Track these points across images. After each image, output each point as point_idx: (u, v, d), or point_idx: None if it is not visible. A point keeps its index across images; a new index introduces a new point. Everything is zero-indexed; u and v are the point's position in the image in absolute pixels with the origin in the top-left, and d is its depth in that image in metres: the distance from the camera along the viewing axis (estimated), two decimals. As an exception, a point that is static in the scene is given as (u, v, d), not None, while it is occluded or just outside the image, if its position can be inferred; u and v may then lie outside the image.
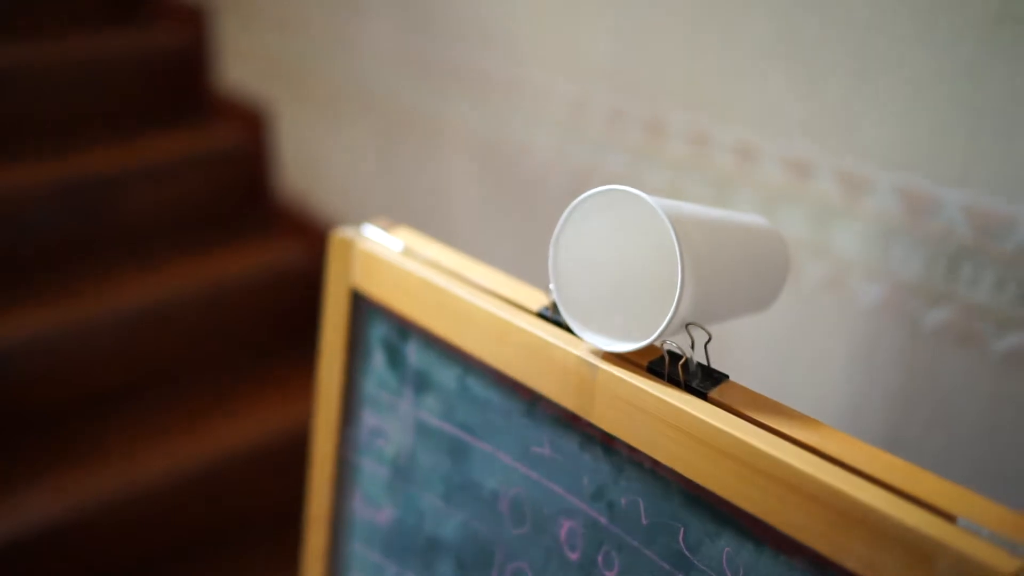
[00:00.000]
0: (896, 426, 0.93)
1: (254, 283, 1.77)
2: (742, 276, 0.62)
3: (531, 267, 1.30)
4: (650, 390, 0.56)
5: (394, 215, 1.60)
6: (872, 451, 0.51)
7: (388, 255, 0.73)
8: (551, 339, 0.62)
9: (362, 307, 0.77)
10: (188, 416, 1.59)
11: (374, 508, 0.78)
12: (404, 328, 0.74)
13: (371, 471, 0.78)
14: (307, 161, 1.85)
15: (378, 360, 0.76)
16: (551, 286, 0.61)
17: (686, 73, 1.05)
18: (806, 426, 0.53)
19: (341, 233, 0.77)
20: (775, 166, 0.97)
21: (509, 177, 1.34)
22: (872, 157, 0.89)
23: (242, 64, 1.97)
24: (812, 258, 0.96)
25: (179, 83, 2.01)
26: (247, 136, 1.92)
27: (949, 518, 0.46)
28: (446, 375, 0.71)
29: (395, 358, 0.75)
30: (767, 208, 0.99)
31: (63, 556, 1.39)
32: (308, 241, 1.82)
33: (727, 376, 0.58)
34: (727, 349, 1.05)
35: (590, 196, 0.59)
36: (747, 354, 1.04)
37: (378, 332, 0.76)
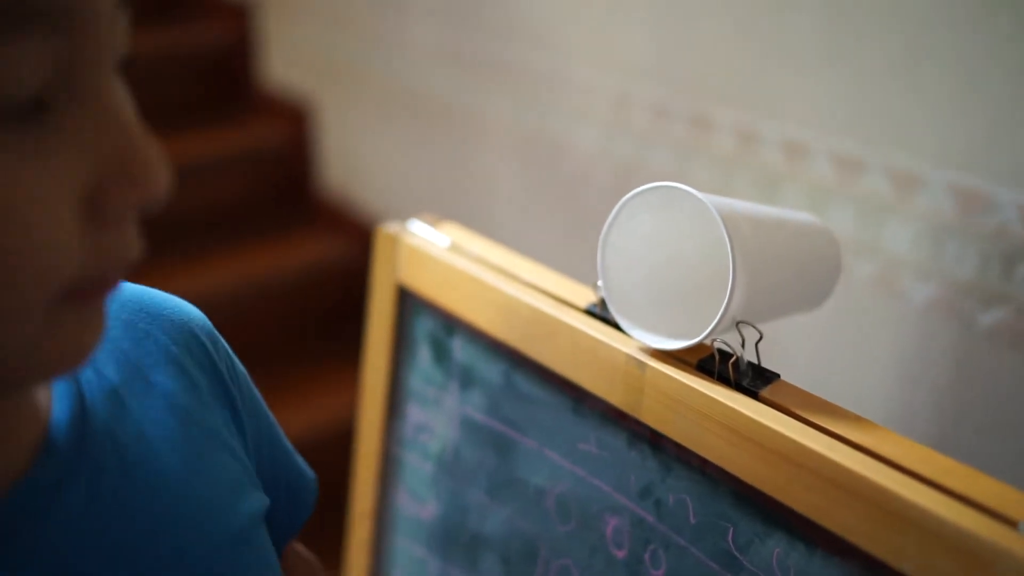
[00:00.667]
0: (946, 428, 0.91)
1: (296, 278, 1.78)
2: (794, 274, 0.61)
3: (574, 263, 1.30)
4: (700, 388, 0.56)
5: (436, 210, 1.60)
6: (928, 453, 0.50)
7: (434, 251, 0.73)
8: (599, 336, 0.61)
9: (408, 302, 0.77)
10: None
11: (418, 503, 0.79)
12: (450, 323, 0.74)
13: (416, 466, 0.79)
14: (350, 157, 1.86)
15: (424, 355, 0.76)
16: (599, 283, 0.61)
17: (732, 68, 1.04)
18: (859, 427, 0.53)
19: (387, 228, 0.77)
20: (824, 163, 0.96)
21: (552, 173, 1.34)
22: (924, 154, 0.87)
23: (286, 61, 1.98)
24: (862, 256, 0.95)
25: (224, 80, 2.03)
26: (291, 132, 1.94)
27: (1010, 523, 0.45)
28: (492, 371, 0.71)
29: (441, 353, 0.75)
30: (815, 205, 0.98)
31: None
32: (350, 236, 1.83)
33: (778, 375, 0.57)
34: (772, 347, 1.04)
35: (640, 193, 0.58)
36: (793, 352, 1.03)
37: (424, 327, 0.76)
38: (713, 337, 0.57)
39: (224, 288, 1.70)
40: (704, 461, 0.57)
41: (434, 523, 0.77)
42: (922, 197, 0.88)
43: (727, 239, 0.54)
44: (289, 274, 1.78)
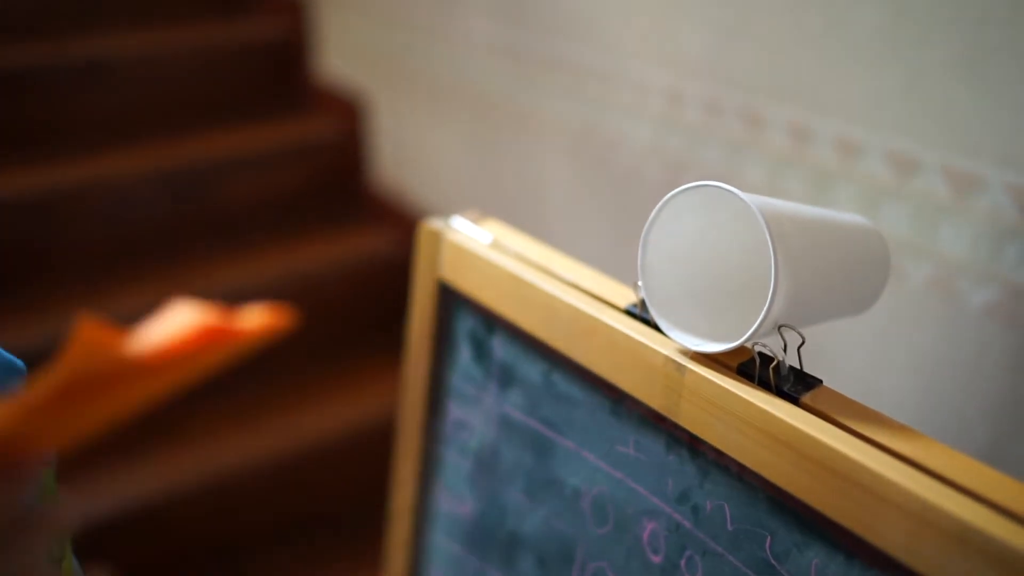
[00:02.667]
0: (1003, 438, 0.88)
1: (346, 272, 1.79)
2: (839, 277, 0.59)
3: (624, 260, 1.28)
4: (740, 393, 0.54)
5: (487, 206, 1.60)
6: (976, 466, 0.49)
7: (476, 248, 0.73)
8: (638, 337, 0.60)
9: (449, 299, 0.77)
10: (276, 402, 1.62)
11: (457, 500, 0.78)
12: (491, 321, 0.73)
13: (454, 463, 0.78)
14: (402, 151, 1.87)
15: (464, 353, 0.76)
16: (639, 283, 0.60)
17: (785, 65, 1.02)
18: (904, 436, 0.51)
19: (430, 225, 0.76)
20: (878, 161, 0.94)
21: (603, 169, 1.33)
22: (983, 154, 0.85)
23: (341, 54, 2.00)
24: (916, 258, 0.92)
25: (279, 73, 2.05)
26: (344, 126, 1.95)
27: (1059, 541, 0.43)
28: (531, 370, 0.70)
29: (481, 351, 0.75)
30: (869, 205, 0.95)
31: (152, 534, 1.44)
32: (401, 231, 1.84)
33: (821, 381, 0.56)
34: (820, 350, 1.02)
35: (681, 192, 0.57)
36: (842, 356, 1.01)
37: (465, 325, 0.76)
38: (754, 340, 0.55)
39: (272, 280, 1.72)
40: (742, 467, 0.56)
41: (472, 521, 0.77)
42: (981, 198, 0.85)
43: (769, 240, 0.52)
44: (339, 268, 1.79)
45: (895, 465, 0.49)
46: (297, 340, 1.75)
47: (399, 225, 1.85)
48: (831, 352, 1.02)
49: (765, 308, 0.53)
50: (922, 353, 0.94)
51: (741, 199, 0.54)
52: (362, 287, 1.81)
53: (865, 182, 0.95)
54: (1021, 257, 0.84)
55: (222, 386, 1.64)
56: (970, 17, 0.83)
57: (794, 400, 0.54)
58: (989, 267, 0.86)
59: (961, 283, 0.89)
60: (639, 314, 0.63)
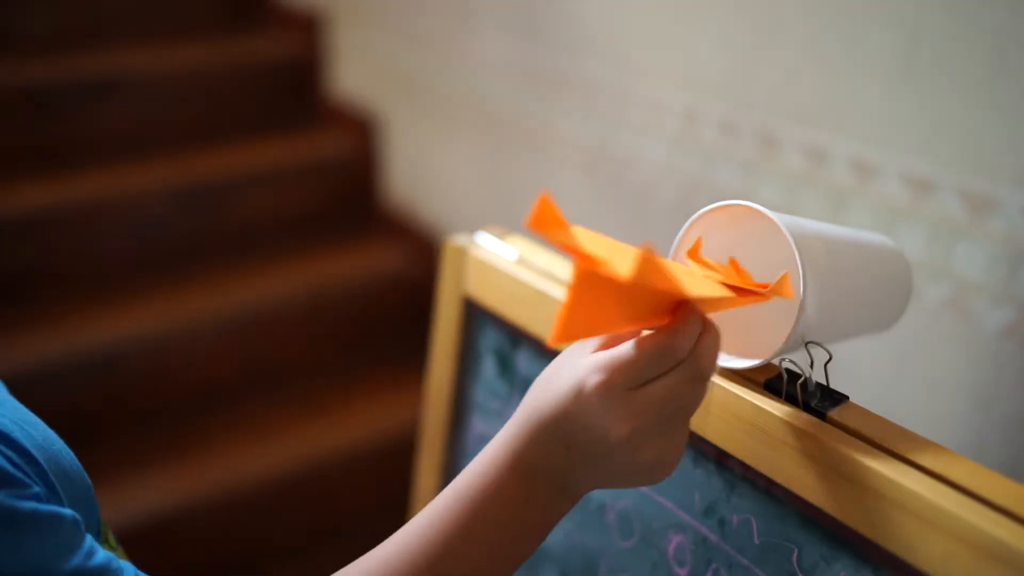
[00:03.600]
0: (1020, 457, 0.89)
1: (358, 287, 1.80)
2: (864, 295, 0.60)
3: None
4: (767, 408, 0.55)
5: (499, 223, 1.61)
6: (1003, 481, 0.49)
7: (501, 264, 0.74)
8: (666, 352, 0.61)
9: (474, 314, 0.78)
10: (291, 416, 1.63)
11: (480, 514, 0.79)
12: (516, 337, 0.74)
13: (478, 477, 0.79)
14: (415, 168, 1.89)
15: (489, 368, 0.77)
16: (667, 299, 0.61)
17: (801, 85, 1.03)
18: (931, 452, 0.52)
19: (455, 241, 0.78)
20: (894, 182, 0.95)
21: (617, 187, 1.34)
22: (999, 175, 0.86)
23: (355, 72, 2.02)
24: (932, 278, 0.93)
25: (293, 90, 2.07)
26: (357, 143, 1.97)
27: (1088, 555, 0.44)
28: (556, 385, 0.71)
29: (506, 366, 0.76)
30: (884, 225, 0.96)
31: (163, 548, 1.44)
32: (413, 247, 1.85)
33: (847, 397, 0.57)
34: (841, 370, 1.03)
35: (710, 211, 0.58)
36: (859, 375, 1.02)
37: (489, 340, 0.77)
38: (781, 357, 0.56)
39: (285, 295, 1.73)
40: (770, 481, 0.56)
41: (494, 534, 0.78)
42: (996, 220, 0.87)
43: (798, 259, 0.53)
44: (351, 283, 1.80)
45: (922, 479, 0.49)
46: (311, 354, 1.77)
47: (412, 242, 1.86)
48: (849, 372, 1.02)
49: (793, 324, 0.54)
50: (939, 373, 0.95)
51: (770, 217, 0.55)
52: (374, 303, 1.82)
53: (881, 203, 0.97)
54: (1036, 278, 0.85)
55: (237, 399, 1.66)
56: (986, 40, 0.84)
57: (821, 415, 0.55)
58: (1005, 288, 0.87)
59: (977, 304, 0.90)
60: (665, 330, 0.64)
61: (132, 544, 1.40)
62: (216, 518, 1.48)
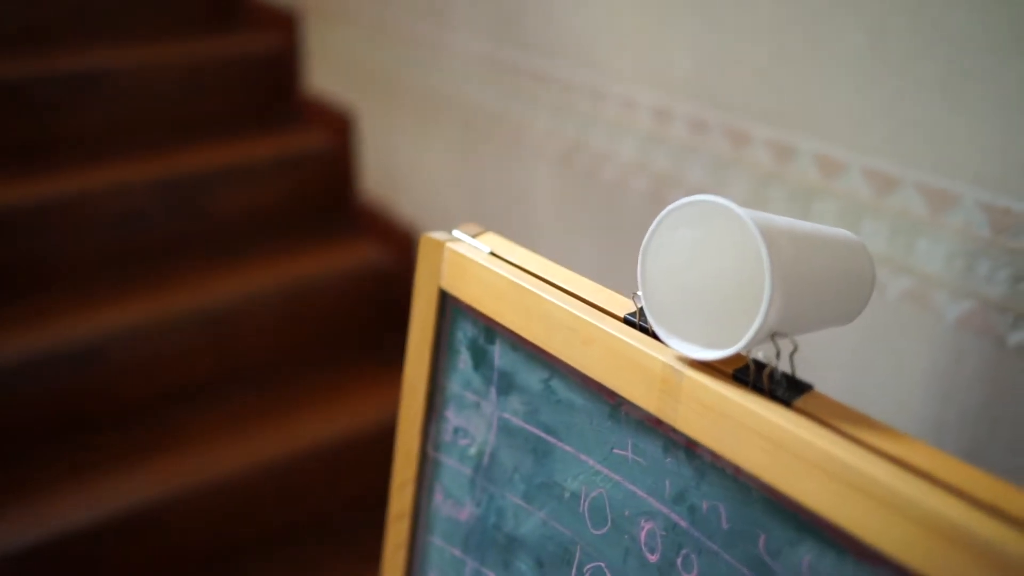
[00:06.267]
0: (978, 445, 0.92)
1: (336, 283, 1.81)
2: (829, 288, 0.63)
3: (612, 272, 1.31)
4: (736, 397, 0.57)
5: (474, 219, 1.62)
6: (961, 466, 0.52)
7: (477, 257, 0.75)
8: (638, 345, 0.63)
9: (449, 308, 0.79)
10: (269, 410, 1.64)
11: (456, 505, 0.81)
12: (491, 330, 0.76)
13: (453, 469, 0.81)
14: (390, 165, 1.89)
15: (464, 360, 0.78)
16: (638, 292, 0.63)
17: (769, 84, 1.05)
18: (891, 438, 0.54)
19: (432, 235, 0.79)
20: (858, 179, 0.97)
21: (590, 184, 1.36)
22: (959, 173, 0.88)
23: (330, 69, 2.02)
24: (894, 272, 0.96)
25: (270, 87, 2.07)
26: (334, 140, 1.98)
27: (1039, 535, 0.46)
28: (531, 377, 0.73)
29: (481, 359, 0.77)
30: (849, 221, 0.99)
31: (145, 540, 1.45)
32: (390, 243, 1.86)
33: (812, 386, 0.59)
34: (803, 360, 1.05)
35: (681, 206, 0.60)
36: (825, 365, 1.04)
37: (465, 333, 0.78)
38: (749, 348, 0.58)
39: (265, 290, 1.74)
40: (737, 468, 0.58)
41: (470, 525, 0.79)
42: (955, 215, 0.89)
43: (764, 253, 0.55)
44: (328, 279, 1.81)
45: (884, 465, 0.51)
46: (289, 349, 1.78)
47: (388, 237, 1.87)
48: (814, 361, 1.05)
49: (760, 317, 0.56)
50: (901, 363, 0.98)
51: (737, 213, 0.57)
52: (351, 297, 1.83)
53: (846, 198, 0.99)
54: (992, 271, 0.87)
55: (216, 393, 1.66)
56: (949, 42, 0.87)
57: (787, 404, 0.57)
58: (964, 282, 0.90)
59: (937, 296, 0.93)
60: (637, 323, 0.66)
61: (110, 537, 1.41)
62: (195, 512, 1.48)
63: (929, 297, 0.93)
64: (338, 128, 1.97)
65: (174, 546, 1.49)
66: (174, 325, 1.64)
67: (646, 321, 0.64)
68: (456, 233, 0.79)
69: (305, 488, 1.59)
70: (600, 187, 1.34)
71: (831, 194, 1.00)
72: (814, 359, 1.05)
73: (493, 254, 0.76)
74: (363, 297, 1.83)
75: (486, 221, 1.58)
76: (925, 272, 0.93)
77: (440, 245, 0.78)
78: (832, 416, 0.56)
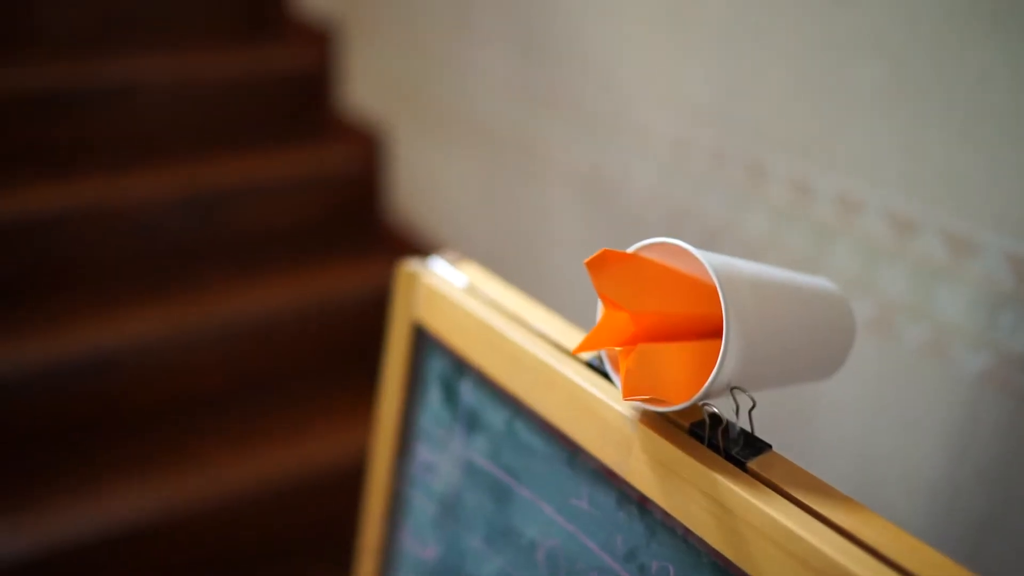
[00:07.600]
0: (994, 506, 0.86)
1: (356, 302, 1.80)
2: (797, 341, 0.58)
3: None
4: (685, 454, 0.54)
5: (496, 240, 1.60)
6: (914, 543, 0.47)
7: (450, 291, 0.73)
8: (594, 391, 0.60)
9: (423, 341, 0.77)
10: (278, 428, 1.63)
11: (421, 543, 0.78)
12: (461, 365, 0.73)
13: (421, 506, 0.78)
14: (418, 184, 1.88)
15: (434, 395, 0.76)
16: (597, 336, 0.59)
17: (789, 118, 1.01)
18: (848, 509, 0.50)
19: (407, 266, 0.77)
20: (877, 219, 0.92)
21: (609, 209, 1.33)
22: (982, 217, 0.83)
23: (364, 86, 2.02)
24: (911, 319, 0.91)
25: (303, 102, 2.08)
26: (363, 158, 1.97)
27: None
28: (496, 417, 0.70)
29: (450, 395, 0.74)
30: (867, 263, 0.94)
31: (142, 554, 1.45)
32: (416, 263, 1.85)
33: (770, 446, 0.55)
34: (812, 410, 1.00)
35: (642, 247, 0.57)
36: (835, 417, 0.99)
37: (436, 367, 0.76)
38: (705, 401, 0.55)
39: (281, 307, 1.74)
40: (687, 530, 0.55)
41: (435, 565, 0.77)
42: (978, 263, 0.84)
43: (723, 300, 0.52)
44: (348, 298, 1.80)
45: (833, 539, 0.47)
46: (309, 366, 1.77)
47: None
48: (824, 412, 1.00)
49: (716, 368, 0.52)
50: (915, 417, 0.92)
51: (696, 256, 0.53)
52: (371, 318, 1.82)
53: (864, 240, 0.94)
54: (1016, 324, 0.82)
55: (229, 408, 1.66)
56: (970, 79, 0.82)
57: (741, 465, 0.53)
58: (984, 333, 0.85)
59: (956, 347, 0.87)
60: (600, 367, 0.62)
61: (115, 549, 1.41)
62: (199, 525, 1.48)
63: (948, 348, 0.88)
64: (369, 146, 1.97)
65: (175, 559, 1.48)
66: (191, 338, 1.63)
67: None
68: (433, 262, 0.77)
69: (315, 505, 1.57)
70: (617, 214, 1.31)
71: (850, 234, 0.96)
72: (823, 411, 1.00)
73: (469, 287, 0.74)
74: (383, 318, 1.82)
75: (507, 243, 1.56)
76: (944, 321, 0.88)
77: (415, 276, 0.76)
78: (786, 481, 0.52)
